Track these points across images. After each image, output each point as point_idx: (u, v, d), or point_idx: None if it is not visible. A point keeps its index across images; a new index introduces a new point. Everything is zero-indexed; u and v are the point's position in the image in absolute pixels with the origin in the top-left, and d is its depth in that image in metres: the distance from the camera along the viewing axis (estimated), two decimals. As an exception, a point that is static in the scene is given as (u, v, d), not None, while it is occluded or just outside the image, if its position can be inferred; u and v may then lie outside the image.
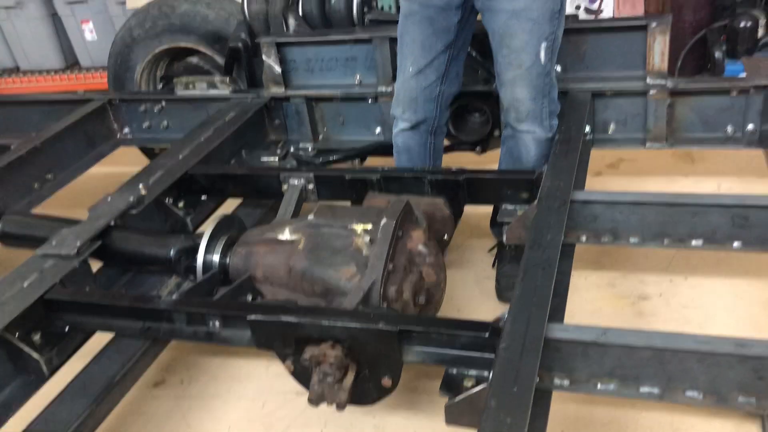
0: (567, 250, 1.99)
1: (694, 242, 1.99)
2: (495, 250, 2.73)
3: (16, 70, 5.24)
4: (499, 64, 2.26)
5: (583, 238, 2.06)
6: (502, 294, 2.52)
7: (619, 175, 3.29)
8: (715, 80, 2.71)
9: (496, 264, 2.65)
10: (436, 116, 2.45)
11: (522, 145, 2.34)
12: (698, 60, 3.63)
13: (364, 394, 1.74)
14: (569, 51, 2.61)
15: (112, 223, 2.16)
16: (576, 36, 2.56)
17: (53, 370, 1.85)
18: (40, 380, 1.85)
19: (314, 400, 1.67)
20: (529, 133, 2.31)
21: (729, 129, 2.52)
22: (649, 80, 2.52)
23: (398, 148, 2.54)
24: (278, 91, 2.96)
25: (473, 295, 2.63)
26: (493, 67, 2.34)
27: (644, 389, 1.52)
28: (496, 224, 2.69)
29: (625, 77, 2.58)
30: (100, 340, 1.97)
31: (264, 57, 2.91)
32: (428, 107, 2.41)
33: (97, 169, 3.18)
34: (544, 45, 2.17)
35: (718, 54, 3.30)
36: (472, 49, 2.57)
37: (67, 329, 1.90)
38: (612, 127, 2.67)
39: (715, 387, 1.47)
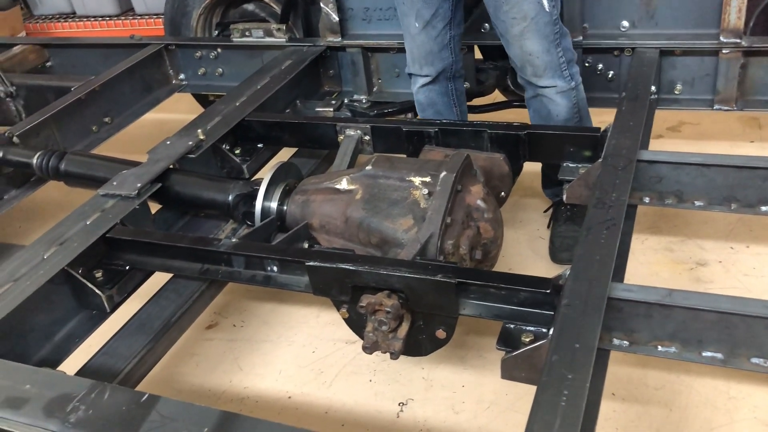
0: (629, 212, 1.94)
1: (763, 208, 1.91)
2: (550, 211, 2.70)
3: (72, 14, 5.29)
4: (503, 22, 2.20)
5: (647, 200, 2.01)
6: (556, 255, 2.49)
7: (681, 138, 3.19)
8: (793, 40, 2.57)
9: (551, 224, 2.62)
10: (453, 62, 2.42)
11: (548, 102, 2.30)
12: (771, 21, 3.46)
13: (418, 345, 1.75)
14: (638, 6, 2.52)
15: (171, 167, 2.19)
16: (647, -10, 2.47)
17: (114, 307, 1.90)
18: (102, 316, 1.90)
19: (368, 348, 1.68)
20: (551, 88, 2.26)
21: (806, 92, 2.41)
22: (722, 38, 2.41)
23: (422, 105, 2.52)
24: (335, 40, 2.92)
25: (526, 254, 2.60)
26: (496, 31, 2.28)
27: (707, 353, 1.49)
28: (549, 185, 2.64)
29: (696, 35, 2.48)
30: (158, 280, 2.01)
31: (321, 4, 2.87)
32: (444, 56, 2.39)
33: (152, 116, 3.21)
34: None
35: (794, 14, 3.13)
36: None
37: (127, 268, 1.94)
38: (679, 87, 2.57)
39: (783, 355, 1.43)
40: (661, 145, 3.11)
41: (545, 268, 2.48)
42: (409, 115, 2.93)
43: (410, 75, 2.51)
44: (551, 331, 1.42)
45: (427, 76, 2.44)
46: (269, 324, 2.45)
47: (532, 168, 2.60)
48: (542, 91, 2.28)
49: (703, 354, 1.50)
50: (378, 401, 2.09)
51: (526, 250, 2.62)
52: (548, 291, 1.52)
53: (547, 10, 2.14)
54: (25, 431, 1.22)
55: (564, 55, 2.24)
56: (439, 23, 2.33)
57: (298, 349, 2.33)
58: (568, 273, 1.54)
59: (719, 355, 1.49)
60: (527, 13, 2.14)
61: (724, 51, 2.42)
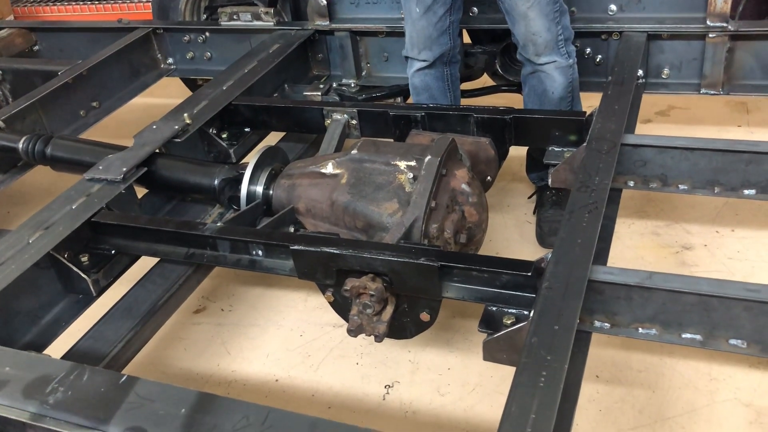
0: (614, 195, 1.95)
1: (746, 192, 1.93)
2: (535, 197, 2.70)
3: (60, -2, 5.24)
4: (507, 1, 2.23)
5: (631, 183, 2.01)
6: (544, 239, 2.50)
7: (669, 122, 3.20)
8: (780, 25, 2.57)
9: (536, 209, 2.63)
10: (451, 47, 2.43)
11: (545, 78, 2.32)
12: (760, 5, 3.45)
13: (402, 327, 1.76)
14: (626, -10, 2.52)
15: (157, 151, 2.18)
16: (634, -26, 2.46)
17: (100, 291, 1.90)
18: (88, 300, 1.90)
19: (353, 331, 1.69)
20: (549, 64, 2.28)
21: (791, 77, 2.42)
22: (709, 22, 2.41)
23: (416, 88, 2.53)
24: (323, 23, 2.91)
25: (513, 238, 2.61)
26: (501, 6, 2.29)
27: (687, 335, 1.51)
28: (533, 170, 2.65)
29: (683, 19, 2.48)
30: (145, 264, 2.01)
31: (310, -12, 2.86)
32: (443, 41, 2.40)
33: (140, 100, 3.20)
34: None
35: (783, -2, 3.13)
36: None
37: (113, 252, 1.94)
38: (666, 71, 2.57)
39: (760, 336, 1.44)
40: (649, 130, 3.12)
41: (532, 252, 2.49)
42: (398, 100, 2.93)
43: (407, 58, 2.51)
44: (532, 314, 1.43)
45: (424, 60, 2.44)
46: (257, 308, 2.46)
47: (521, 153, 2.61)
48: (541, 68, 2.30)
49: (683, 336, 1.51)
50: (364, 384, 2.10)
51: (514, 235, 2.63)
52: (530, 274, 1.53)
53: None
54: (4, 413, 1.23)
55: (563, 33, 2.27)
56: (440, 8, 2.33)
57: (286, 333, 2.34)
58: (550, 256, 1.55)
59: (698, 337, 1.50)
60: None
61: (710, 35, 2.42)
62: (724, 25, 2.40)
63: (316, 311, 2.40)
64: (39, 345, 1.77)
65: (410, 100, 2.91)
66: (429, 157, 1.88)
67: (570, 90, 2.34)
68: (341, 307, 1.79)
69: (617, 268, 1.53)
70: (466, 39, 2.90)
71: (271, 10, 3.00)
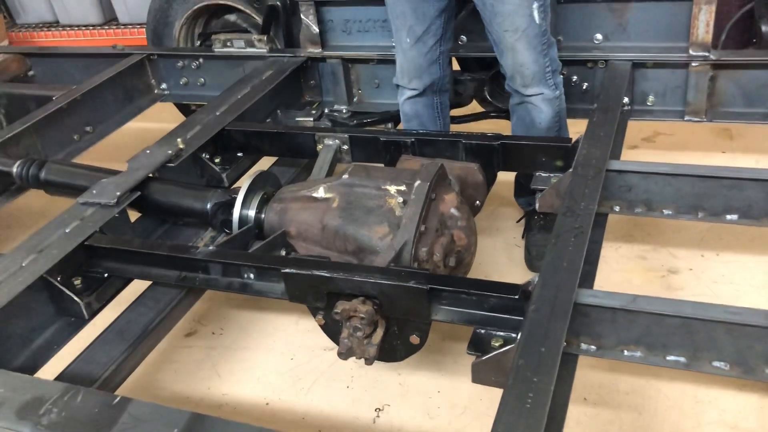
0: (600, 220, 1.99)
1: (728, 217, 1.97)
2: (523, 221, 2.74)
3: (55, 23, 5.29)
4: (495, 33, 2.28)
5: (617, 208, 2.06)
6: (533, 263, 2.53)
7: (655, 148, 3.25)
8: (760, 53, 2.64)
9: (525, 234, 2.66)
10: (441, 76, 2.49)
11: (532, 109, 2.36)
12: (744, 34, 3.53)
13: (393, 350, 1.78)
14: (611, 20, 2.58)
15: (151, 175, 2.21)
16: (619, 4, 2.53)
17: (93, 314, 1.91)
18: (81, 323, 1.91)
19: (344, 354, 1.71)
20: (537, 96, 2.33)
21: (772, 105, 2.48)
22: (692, 51, 2.48)
23: (407, 116, 2.58)
24: (315, 51, 2.96)
25: (501, 261, 2.64)
26: (489, 37, 2.35)
27: (671, 357, 1.54)
28: (521, 194, 2.69)
29: (667, 48, 2.54)
30: (137, 287, 2.03)
31: (302, 16, 2.91)
32: (433, 70, 2.45)
33: (134, 125, 3.23)
34: (536, 5, 2.18)
35: (765, 27, 3.21)
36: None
37: (106, 275, 1.96)
38: (651, 98, 2.63)
39: (742, 358, 1.47)
40: (636, 156, 3.17)
41: (521, 276, 2.52)
42: (389, 125, 2.98)
43: (397, 86, 2.56)
44: (519, 336, 1.45)
45: (414, 89, 2.50)
46: (248, 331, 2.47)
47: (510, 178, 2.65)
48: (528, 99, 2.35)
49: (668, 358, 1.54)
50: (355, 407, 2.11)
51: (503, 258, 2.66)
52: (517, 297, 1.56)
53: (538, 22, 2.21)
54: (-3, 434, 1.24)
55: (550, 65, 2.31)
56: (430, 39, 2.38)
57: (277, 356, 2.35)
58: (537, 280, 1.58)
59: (682, 359, 1.53)
60: (519, 26, 2.21)
61: (693, 64, 2.49)
62: (706, 54, 2.46)
63: (308, 334, 2.41)
64: (31, 367, 1.78)
65: (401, 126, 2.96)
66: (419, 181, 1.91)
67: (557, 120, 2.38)
68: (332, 330, 1.81)
69: (602, 291, 1.57)
70: (456, 66, 2.96)
71: (265, 38, 3.05)
